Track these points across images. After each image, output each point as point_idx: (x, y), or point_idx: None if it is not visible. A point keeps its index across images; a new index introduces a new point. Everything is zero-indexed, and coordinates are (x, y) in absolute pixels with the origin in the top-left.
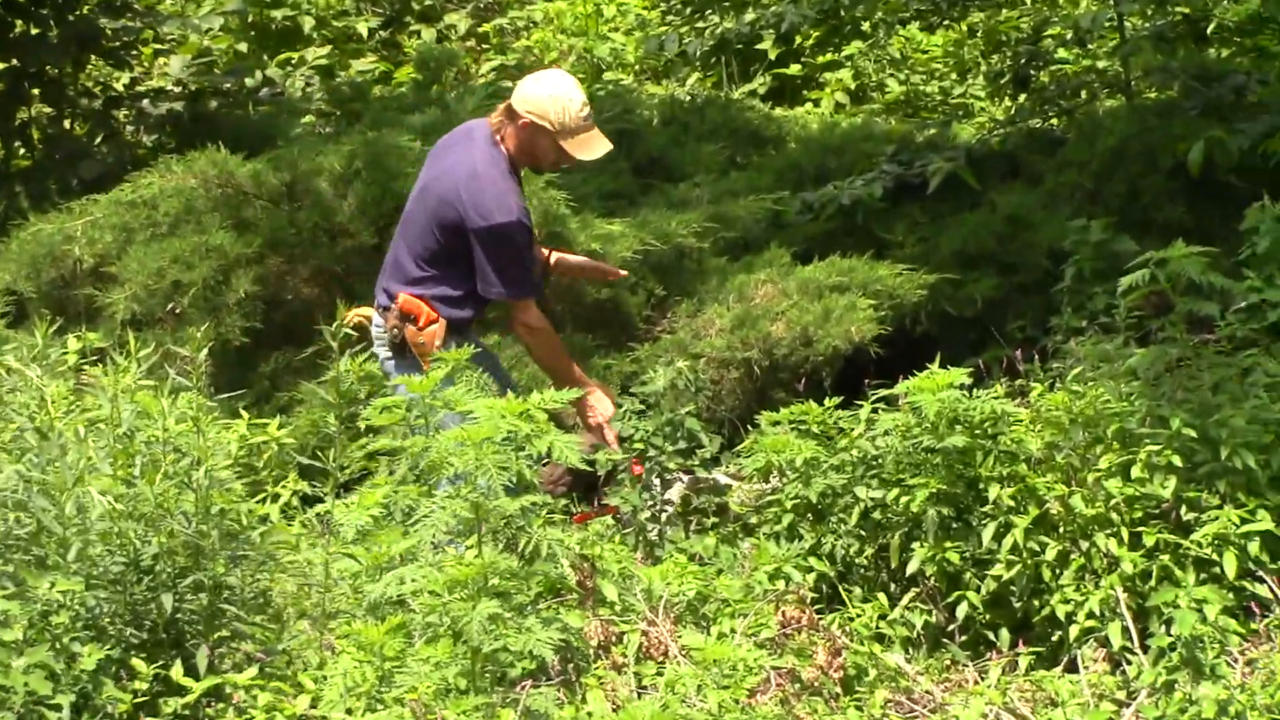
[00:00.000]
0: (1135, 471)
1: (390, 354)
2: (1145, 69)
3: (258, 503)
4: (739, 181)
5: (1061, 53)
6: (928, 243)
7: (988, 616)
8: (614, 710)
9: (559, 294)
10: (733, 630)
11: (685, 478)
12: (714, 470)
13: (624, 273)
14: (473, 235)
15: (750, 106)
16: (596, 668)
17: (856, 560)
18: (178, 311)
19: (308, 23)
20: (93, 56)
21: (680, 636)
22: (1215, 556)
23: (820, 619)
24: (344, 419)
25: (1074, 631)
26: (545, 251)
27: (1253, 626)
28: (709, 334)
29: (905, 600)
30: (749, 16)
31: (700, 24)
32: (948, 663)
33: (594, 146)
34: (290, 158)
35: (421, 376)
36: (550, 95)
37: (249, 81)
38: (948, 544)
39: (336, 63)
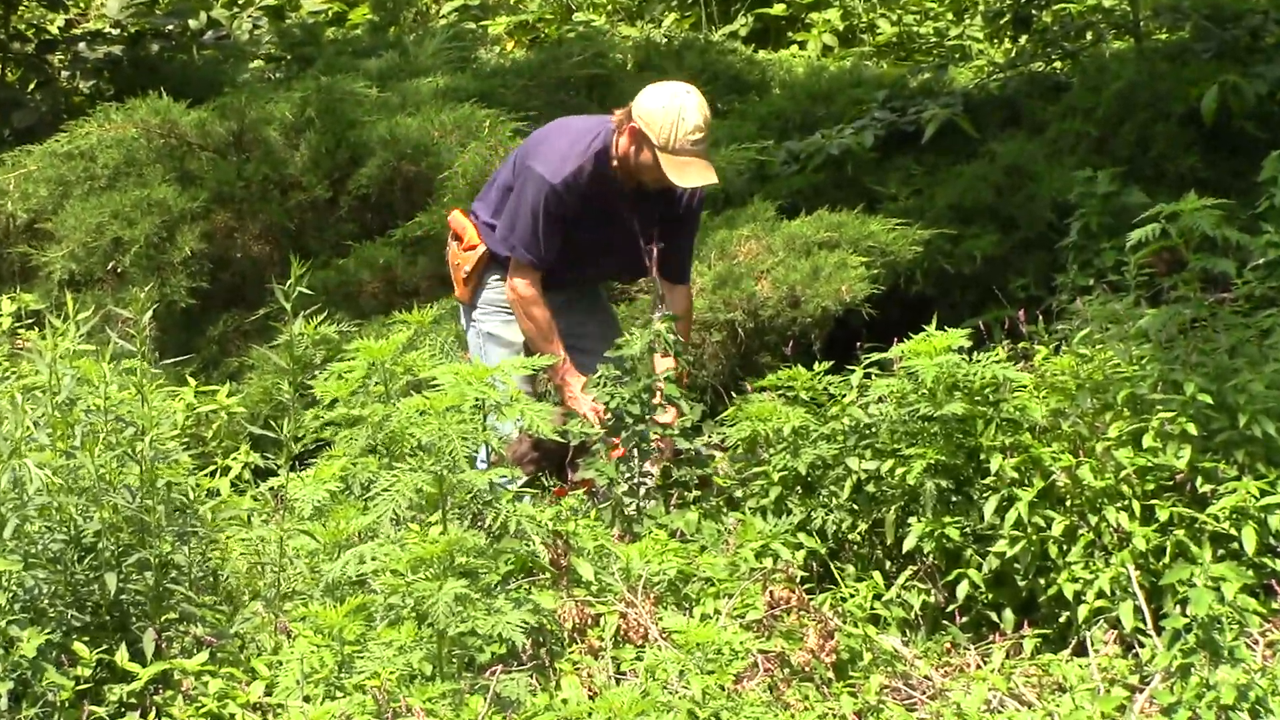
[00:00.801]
0: (1147, 440)
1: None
2: (1155, 8)
3: (206, 476)
4: (720, 130)
5: None
6: (923, 196)
7: (990, 596)
8: (590, 697)
9: None
10: (717, 612)
11: (664, 448)
12: (695, 440)
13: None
14: (522, 173)
15: (731, 49)
16: (571, 652)
17: (849, 536)
18: (119, 271)
19: None
20: None
21: (661, 618)
22: (1233, 531)
23: (811, 599)
24: (298, 386)
25: (1083, 612)
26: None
27: (1273, 606)
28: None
29: (902, 579)
30: None
31: None
32: (948, 646)
33: (691, 173)
34: (238, 105)
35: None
36: (664, 107)
37: (193, 23)
38: (947, 519)
39: (286, 3)
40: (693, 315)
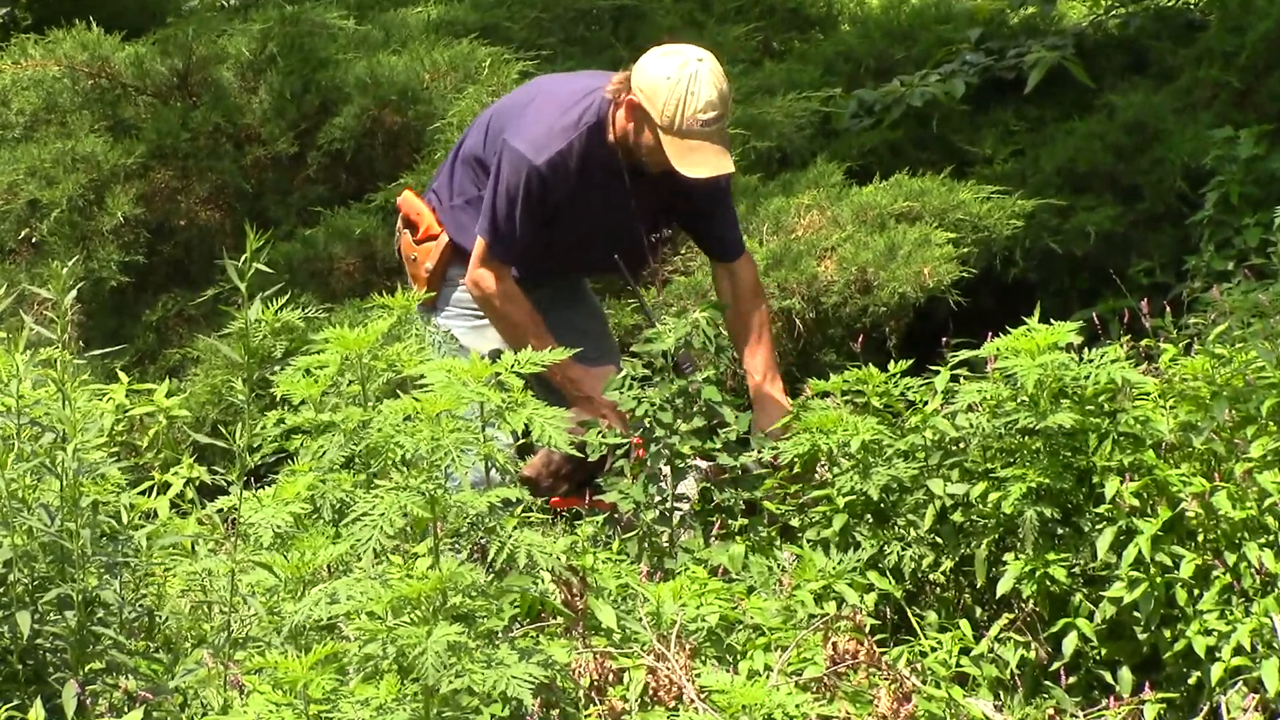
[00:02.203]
0: None
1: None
2: None
3: (141, 494)
4: (775, 75)
5: None
6: (1024, 158)
7: (1103, 652)
8: None
9: None
10: (767, 667)
11: (703, 466)
12: (741, 456)
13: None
14: (499, 149)
15: None
16: (589, 715)
17: (930, 576)
18: (34, 241)
19: None
20: None
21: (698, 675)
22: None
23: (883, 653)
24: (255, 384)
25: (1217, 671)
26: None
27: None
28: None
29: (995, 630)
30: None
31: None
32: (1051, 712)
33: (702, 161)
34: (183, 39)
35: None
36: (669, 79)
37: None
38: (1051, 556)
39: None
40: (763, 290)
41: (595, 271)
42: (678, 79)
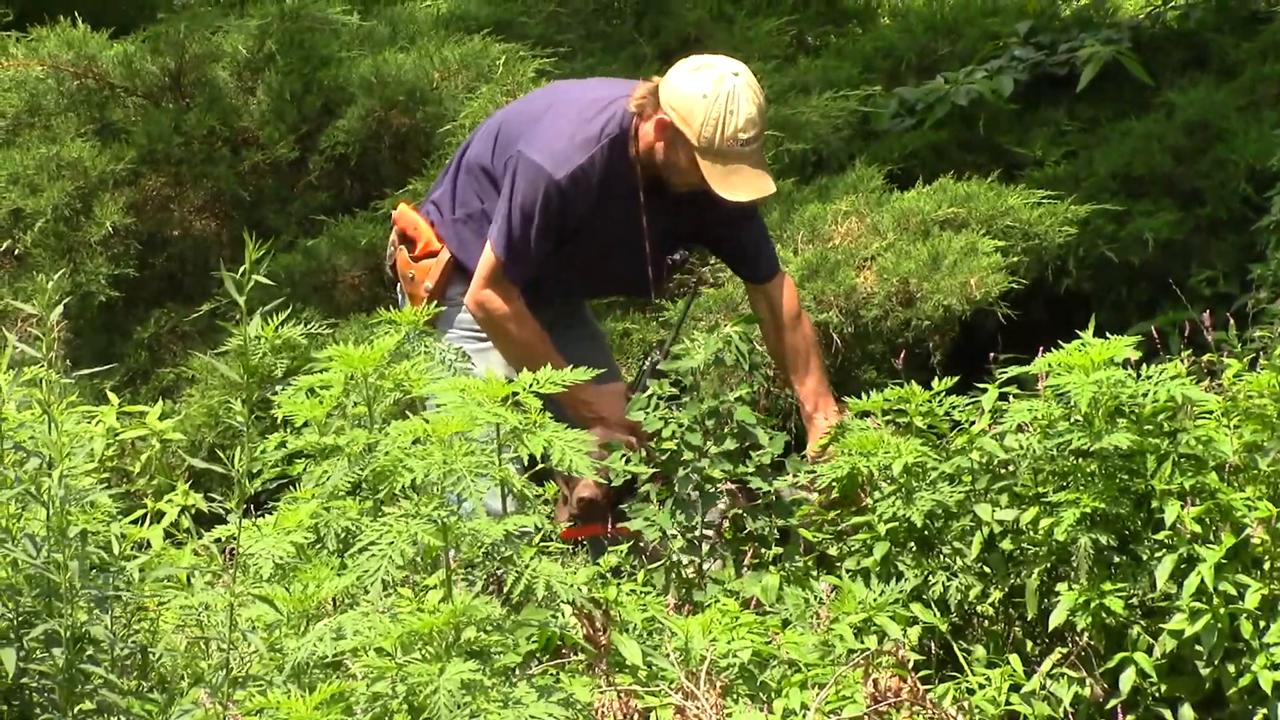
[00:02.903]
0: None
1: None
2: None
3: (133, 523)
4: (810, 72)
5: None
6: (1078, 160)
7: (1163, 688)
8: None
9: None
10: (804, 706)
11: (735, 491)
12: (776, 481)
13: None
14: (512, 160)
15: None
16: None
17: (978, 608)
18: (17, 253)
19: None
20: None
21: (730, 714)
22: None
23: (927, 690)
24: (255, 405)
25: None
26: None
27: None
28: None
29: (1047, 665)
30: None
31: None
32: None
33: (743, 184)
34: (175, 37)
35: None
36: (706, 97)
37: None
38: (1107, 586)
39: None
40: (805, 313)
41: (604, 292)
42: (715, 96)
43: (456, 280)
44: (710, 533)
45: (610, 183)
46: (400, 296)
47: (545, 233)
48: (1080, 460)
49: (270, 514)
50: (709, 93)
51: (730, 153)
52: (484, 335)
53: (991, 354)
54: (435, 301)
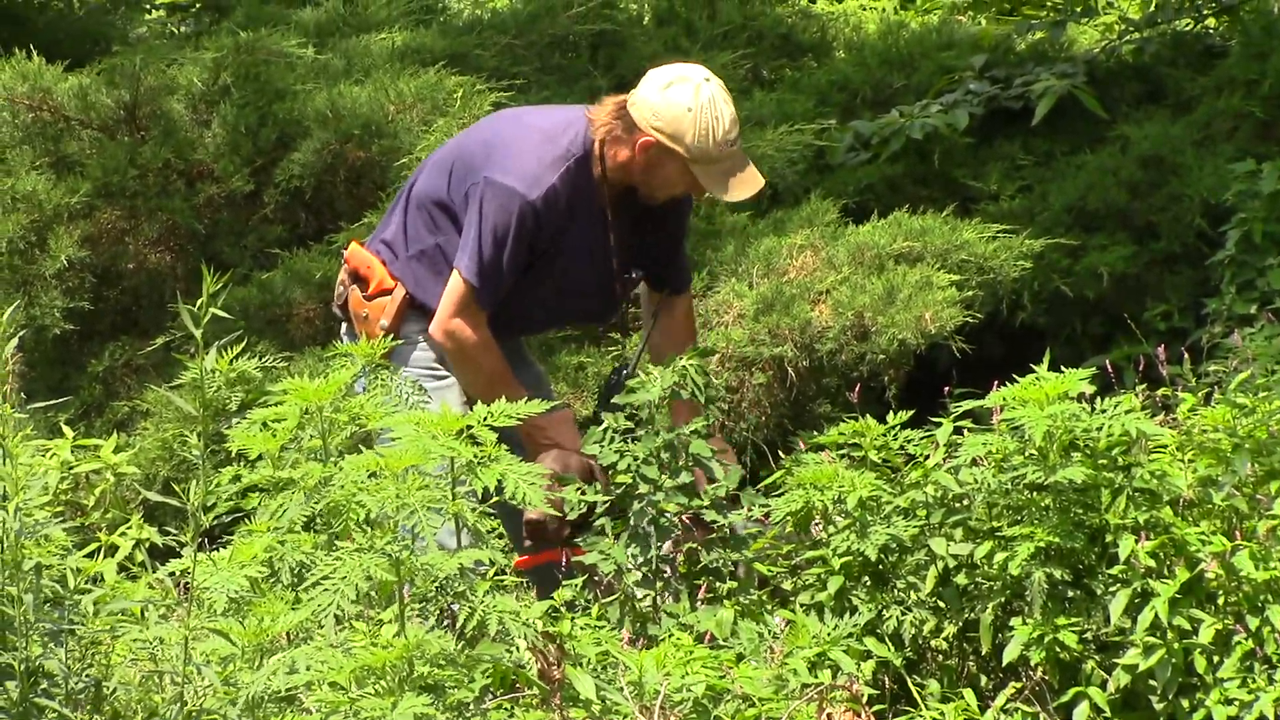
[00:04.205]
0: None
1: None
2: None
3: (87, 556)
4: (765, 106)
5: None
6: (1032, 194)
7: None
8: None
9: None
10: None
11: (690, 525)
12: (731, 514)
13: None
14: (476, 187)
15: None
16: None
17: (932, 642)
18: None
19: None
20: None
21: None
22: None
23: None
24: (209, 439)
25: None
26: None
27: None
28: (724, 321)
29: (1001, 699)
30: None
31: None
32: None
33: (739, 184)
34: (130, 69)
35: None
36: (690, 109)
37: None
38: (1061, 620)
39: None
40: (695, 329)
41: (562, 321)
42: (698, 107)
43: (412, 318)
44: (665, 566)
45: (576, 203)
46: (345, 337)
47: (517, 255)
48: (1035, 494)
49: (225, 548)
50: (692, 105)
51: (722, 156)
52: (442, 373)
53: (946, 388)
54: (393, 339)
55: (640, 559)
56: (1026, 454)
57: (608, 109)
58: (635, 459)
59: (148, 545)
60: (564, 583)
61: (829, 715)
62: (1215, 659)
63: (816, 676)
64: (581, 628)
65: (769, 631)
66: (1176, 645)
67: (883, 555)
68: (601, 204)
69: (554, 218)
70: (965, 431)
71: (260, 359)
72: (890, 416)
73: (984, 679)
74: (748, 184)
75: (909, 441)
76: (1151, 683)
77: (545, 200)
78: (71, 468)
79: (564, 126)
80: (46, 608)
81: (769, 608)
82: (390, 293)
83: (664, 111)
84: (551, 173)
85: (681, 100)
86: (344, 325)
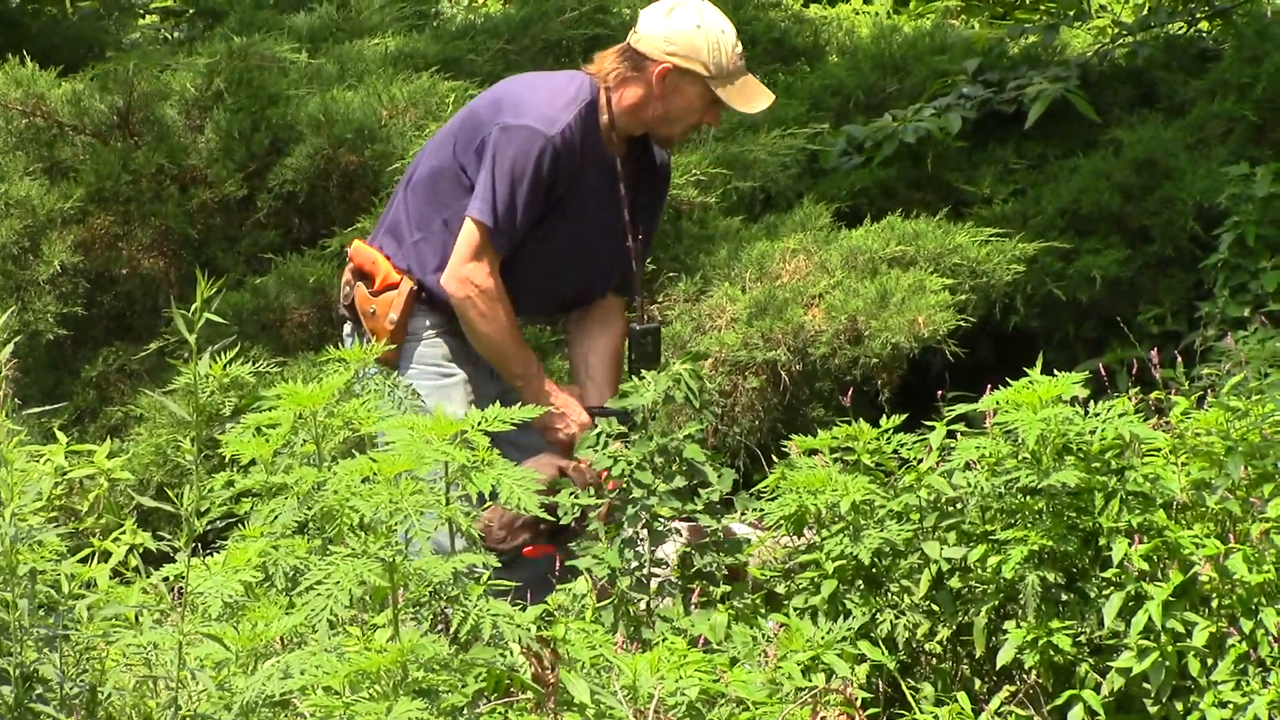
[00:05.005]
0: None
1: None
2: None
3: (81, 562)
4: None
5: None
6: (1025, 198)
7: None
8: None
9: None
10: None
11: (684, 529)
12: (725, 518)
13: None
14: (490, 137)
15: (774, 3)
16: None
17: (926, 646)
18: None
19: None
20: None
21: None
22: None
23: None
24: (203, 444)
25: None
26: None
27: None
28: (717, 325)
29: (995, 702)
30: None
31: None
32: None
33: (755, 95)
34: (124, 74)
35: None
36: (699, 28)
37: None
38: (1055, 624)
39: None
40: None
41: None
42: (703, 24)
43: (419, 312)
44: (659, 570)
45: (588, 149)
46: (348, 338)
47: (534, 195)
48: (1028, 498)
49: (218, 553)
50: (701, 23)
51: (736, 70)
52: (449, 369)
53: (939, 391)
54: (399, 334)
55: (634, 563)
56: (1020, 457)
57: (609, 57)
58: (629, 463)
59: (141, 550)
60: (558, 587)
61: (822, 719)
62: (1209, 662)
63: (810, 680)
64: (575, 632)
65: (762, 635)
66: (1170, 648)
67: (876, 559)
68: (612, 153)
69: (570, 159)
70: (958, 435)
71: (254, 364)
72: (883, 420)
73: (978, 682)
74: (761, 95)
75: (902, 445)
76: (1146, 686)
77: (563, 138)
78: (65, 473)
79: (567, 79)
80: (41, 613)
81: (762, 611)
82: (396, 287)
83: (675, 36)
84: (567, 113)
85: (688, 21)
86: (348, 326)
